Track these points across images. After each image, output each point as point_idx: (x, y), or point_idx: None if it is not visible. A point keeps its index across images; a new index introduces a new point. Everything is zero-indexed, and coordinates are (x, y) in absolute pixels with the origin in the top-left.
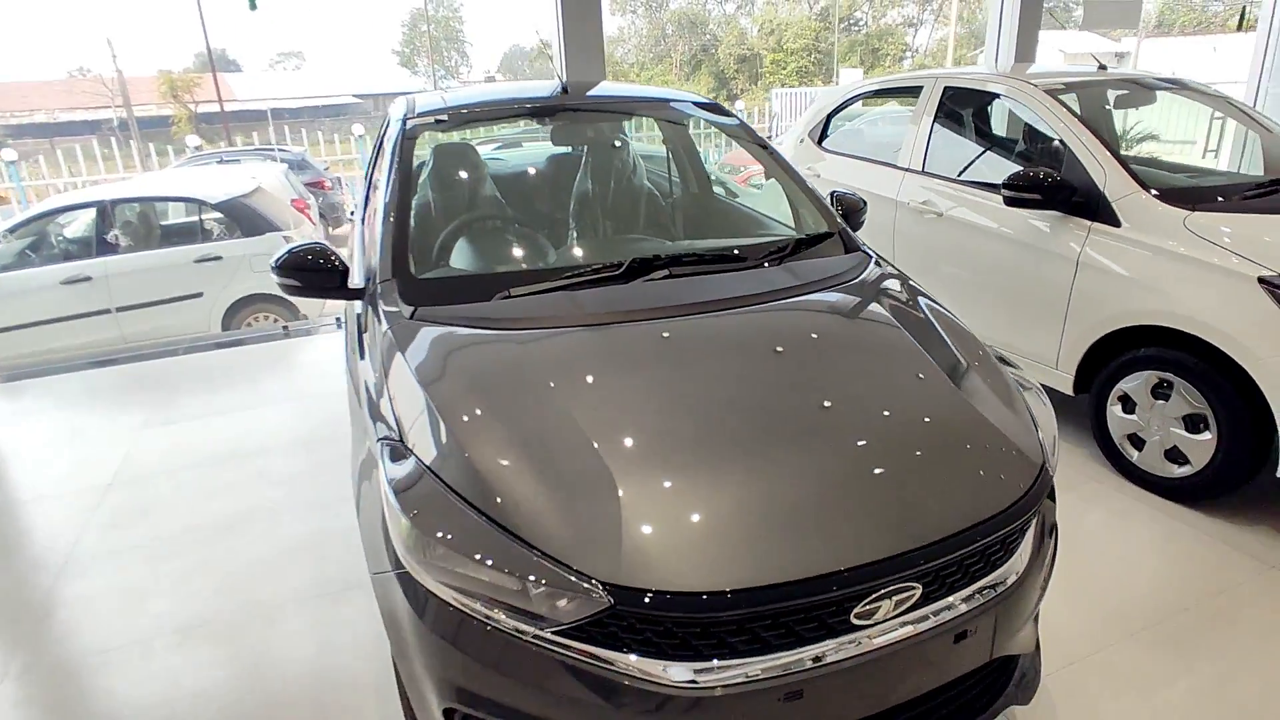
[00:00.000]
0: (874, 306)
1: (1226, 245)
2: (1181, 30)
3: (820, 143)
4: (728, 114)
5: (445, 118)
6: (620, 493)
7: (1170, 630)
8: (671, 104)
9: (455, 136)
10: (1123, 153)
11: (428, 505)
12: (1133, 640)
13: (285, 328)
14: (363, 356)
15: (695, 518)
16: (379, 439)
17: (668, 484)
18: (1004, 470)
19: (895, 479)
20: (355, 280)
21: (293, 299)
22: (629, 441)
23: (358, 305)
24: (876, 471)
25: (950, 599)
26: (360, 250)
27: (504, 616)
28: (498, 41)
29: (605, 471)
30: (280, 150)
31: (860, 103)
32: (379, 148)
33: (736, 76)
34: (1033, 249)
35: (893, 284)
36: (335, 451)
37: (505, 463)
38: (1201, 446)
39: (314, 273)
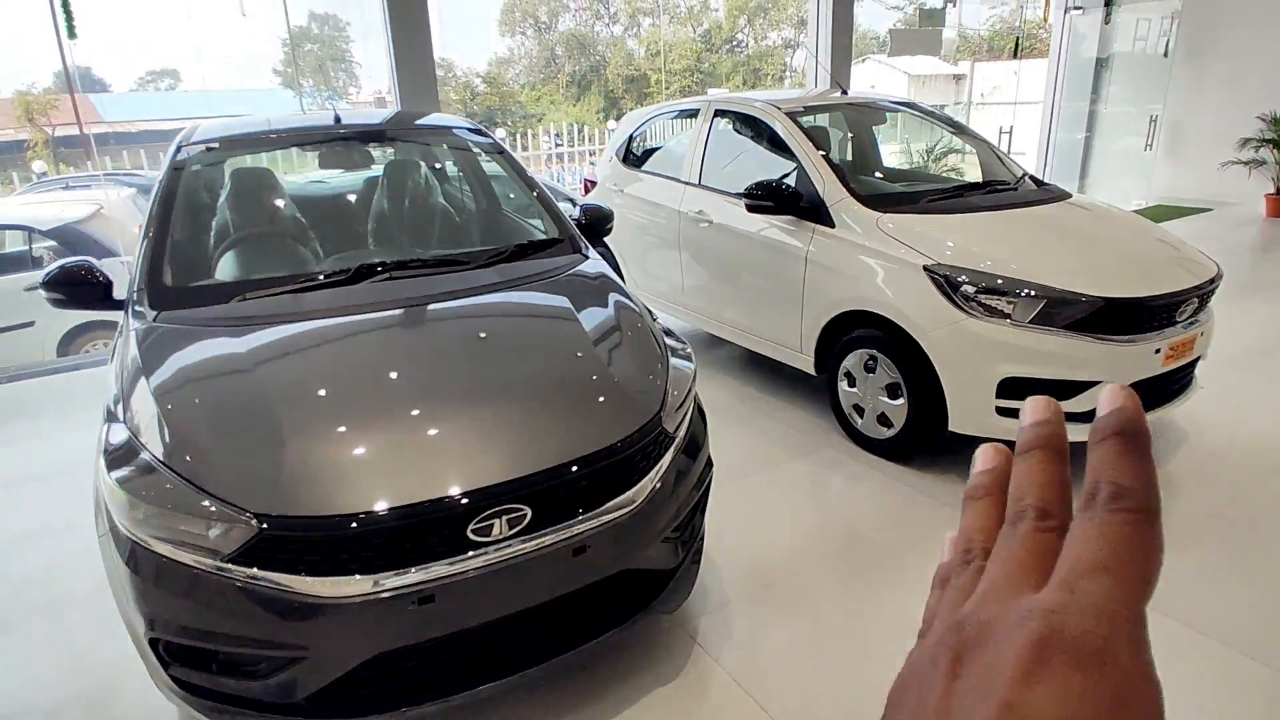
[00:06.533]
0: (557, 295)
1: (903, 240)
2: (995, 56)
3: (625, 161)
4: (487, 135)
5: (215, 145)
6: (283, 442)
7: (859, 553)
8: (438, 129)
9: (251, 161)
10: (853, 164)
11: (134, 472)
12: (826, 563)
13: None
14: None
15: (341, 458)
16: (105, 420)
17: (325, 433)
18: (617, 417)
19: (514, 425)
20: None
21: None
22: (303, 403)
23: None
24: (498, 419)
25: (566, 521)
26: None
27: (190, 555)
28: (389, 62)
29: (276, 426)
30: (131, 175)
31: (678, 122)
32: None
33: (624, 96)
34: (775, 249)
35: (590, 278)
36: None
37: (199, 431)
38: (899, 410)
39: (78, 286)
